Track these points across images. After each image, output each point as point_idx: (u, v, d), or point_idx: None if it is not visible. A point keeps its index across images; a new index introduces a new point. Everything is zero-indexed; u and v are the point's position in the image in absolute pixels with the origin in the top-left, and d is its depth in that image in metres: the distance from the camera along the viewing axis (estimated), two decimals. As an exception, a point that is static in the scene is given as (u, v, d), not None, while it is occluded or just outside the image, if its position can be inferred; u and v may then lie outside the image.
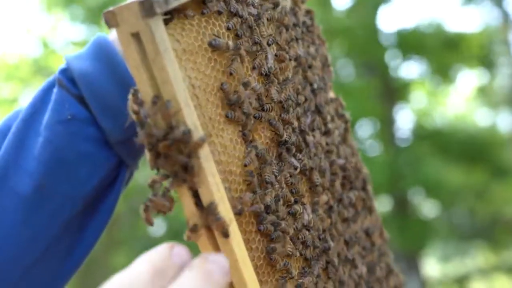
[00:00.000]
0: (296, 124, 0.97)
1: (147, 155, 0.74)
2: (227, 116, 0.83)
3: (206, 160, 0.75)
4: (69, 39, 8.55)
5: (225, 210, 0.77)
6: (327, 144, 1.06)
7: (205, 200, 0.75)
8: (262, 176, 0.87)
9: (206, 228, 0.77)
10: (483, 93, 10.35)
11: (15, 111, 1.11)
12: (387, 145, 8.40)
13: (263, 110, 0.90)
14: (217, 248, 0.78)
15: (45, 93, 1.05)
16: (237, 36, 0.87)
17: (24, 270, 1.02)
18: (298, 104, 0.98)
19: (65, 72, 1.04)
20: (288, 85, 0.95)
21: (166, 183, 0.75)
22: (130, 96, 0.74)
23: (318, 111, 1.05)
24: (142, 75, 0.71)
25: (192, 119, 0.73)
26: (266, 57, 0.92)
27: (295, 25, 1.03)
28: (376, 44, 8.22)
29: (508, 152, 9.10)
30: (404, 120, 9.24)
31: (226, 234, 0.76)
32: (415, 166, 7.71)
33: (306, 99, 1.01)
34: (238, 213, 0.82)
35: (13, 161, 1.02)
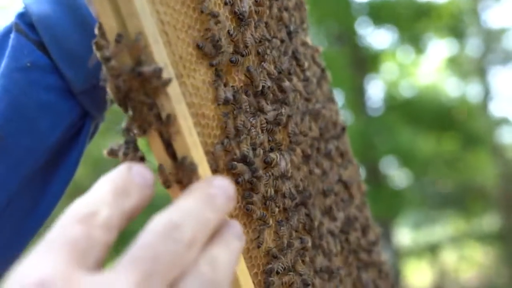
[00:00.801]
0: (272, 68, 0.93)
1: (111, 95, 0.69)
2: (198, 46, 0.78)
3: (178, 102, 0.70)
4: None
5: (198, 156, 0.72)
6: (306, 92, 1.03)
7: (176, 146, 0.71)
8: (236, 121, 0.84)
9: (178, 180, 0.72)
10: (453, 63, 10.38)
11: None
12: (358, 115, 8.39)
13: (240, 54, 0.86)
14: None
15: (1, 40, 0.98)
16: None
17: None
18: (273, 47, 0.93)
19: (22, 16, 0.97)
20: (261, 25, 0.91)
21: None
22: (96, 30, 0.69)
23: (294, 56, 1.01)
24: (106, 7, 0.66)
25: (161, 56, 0.68)
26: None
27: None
28: (347, 13, 8.18)
29: (478, 121, 9.16)
30: (375, 90, 9.24)
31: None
32: (386, 135, 7.72)
33: (282, 41, 0.97)
34: (214, 170, 0.78)
35: None
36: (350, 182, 1.18)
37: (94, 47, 0.69)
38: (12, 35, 0.97)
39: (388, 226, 8.41)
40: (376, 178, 8.31)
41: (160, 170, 0.70)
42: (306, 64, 1.05)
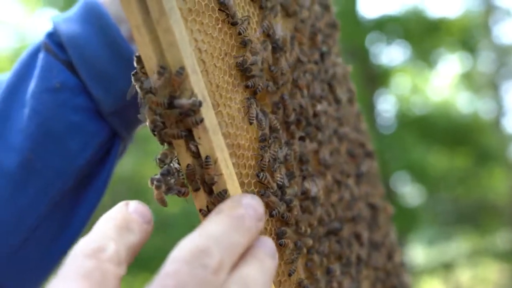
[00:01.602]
0: (305, 93, 0.90)
1: (148, 124, 0.67)
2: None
3: (215, 133, 0.68)
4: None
5: (233, 188, 0.70)
6: (337, 114, 1.01)
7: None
8: (271, 151, 0.81)
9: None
10: (466, 78, 10.33)
11: None
12: (371, 132, 8.34)
13: (277, 86, 0.84)
14: None
15: (30, 59, 0.96)
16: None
17: (11, 250, 0.94)
18: (306, 70, 0.91)
19: (51, 36, 0.96)
20: (296, 48, 0.89)
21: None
22: (135, 61, 0.67)
23: (327, 78, 0.99)
24: (144, 37, 0.64)
25: (200, 87, 0.66)
26: (275, 25, 0.85)
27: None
28: (358, 30, 8.16)
29: (490, 137, 9.10)
30: (387, 106, 9.20)
31: None
32: (399, 152, 7.68)
33: (316, 63, 0.95)
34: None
35: None
36: (378, 206, 1.16)
37: (133, 79, 0.67)
38: (41, 55, 0.95)
39: (401, 244, 8.35)
40: (388, 195, 8.26)
41: (202, 214, 0.68)
42: (338, 87, 1.03)
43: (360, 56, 8.60)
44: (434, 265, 10.45)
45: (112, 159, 1.00)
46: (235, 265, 0.61)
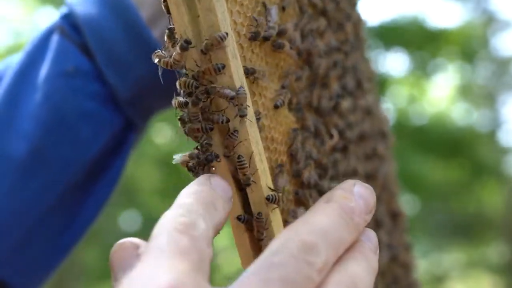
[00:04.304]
0: (336, 88, 0.85)
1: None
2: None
3: (251, 125, 0.63)
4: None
5: (267, 184, 0.65)
6: (365, 110, 0.96)
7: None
8: (305, 147, 0.76)
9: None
10: (463, 89, 10.31)
11: (4, 62, 0.96)
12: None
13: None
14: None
15: (43, 42, 0.91)
16: None
17: (14, 244, 0.89)
18: (337, 62, 0.86)
19: (67, 17, 0.90)
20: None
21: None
22: (166, 37, 0.62)
23: (354, 70, 0.94)
24: (183, 16, 0.59)
25: (238, 74, 0.62)
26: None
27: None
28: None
29: (486, 149, 9.09)
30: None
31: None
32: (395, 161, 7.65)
33: (346, 55, 0.89)
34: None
35: (6, 120, 0.88)
36: (397, 210, 1.12)
37: (155, 56, 0.62)
38: (55, 37, 0.90)
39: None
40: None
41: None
42: (366, 83, 0.98)
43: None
44: (427, 277, 10.42)
45: (126, 150, 0.95)
46: (339, 259, 0.56)
